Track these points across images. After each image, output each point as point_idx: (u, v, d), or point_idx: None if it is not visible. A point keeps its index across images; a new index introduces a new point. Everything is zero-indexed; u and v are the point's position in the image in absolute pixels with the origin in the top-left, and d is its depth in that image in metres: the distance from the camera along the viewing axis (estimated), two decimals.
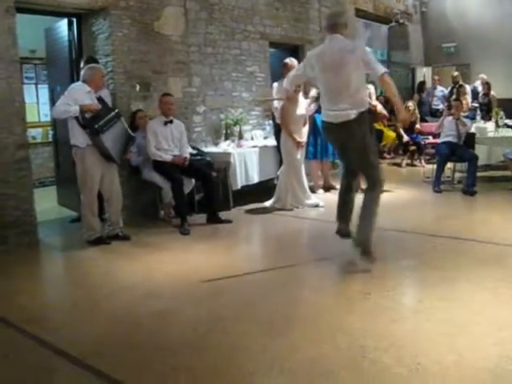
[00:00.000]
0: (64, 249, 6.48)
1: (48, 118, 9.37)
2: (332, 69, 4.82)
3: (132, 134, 6.41)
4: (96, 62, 6.94)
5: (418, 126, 11.55)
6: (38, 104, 10.68)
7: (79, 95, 5.87)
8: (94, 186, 6.10)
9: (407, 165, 11.55)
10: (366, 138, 4.88)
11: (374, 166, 4.98)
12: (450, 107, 10.59)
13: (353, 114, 4.77)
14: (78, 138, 5.94)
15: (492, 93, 11.81)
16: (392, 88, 4.86)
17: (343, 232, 5.21)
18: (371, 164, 4.96)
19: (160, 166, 6.88)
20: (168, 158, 6.88)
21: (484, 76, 12.47)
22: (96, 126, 5.82)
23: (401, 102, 4.92)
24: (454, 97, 11.48)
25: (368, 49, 5.10)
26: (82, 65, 6.93)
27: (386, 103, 13.13)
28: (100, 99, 6.10)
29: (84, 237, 6.19)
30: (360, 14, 12.71)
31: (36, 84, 10.68)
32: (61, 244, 6.75)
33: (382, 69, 4.82)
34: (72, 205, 7.88)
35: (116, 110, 6.28)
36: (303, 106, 7.51)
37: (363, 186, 7.63)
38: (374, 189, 4.95)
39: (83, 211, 6.19)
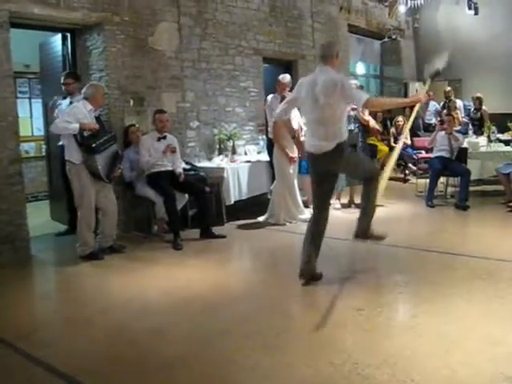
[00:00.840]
0: (57, 264, 6.45)
1: (41, 133, 9.35)
2: (314, 100, 4.88)
3: (119, 153, 6.43)
4: (76, 76, 6.98)
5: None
6: (31, 118, 10.65)
7: (81, 114, 5.94)
8: (91, 200, 6.11)
9: (402, 180, 11.56)
10: (349, 159, 5.09)
11: (368, 168, 5.26)
12: (442, 122, 10.64)
13: (331, 145, 4.85)
14: (73, 154, 5.97)
15: (484, 107, 11.88)
16: (385, 102, 4.95)
17: (310, 272, 5.06)
18: (366, 168, 5.23)
19: (153, 181, 6.88)
20: (159, 154, 6.89)
21: (479, 94, 12.54)
22: (93, 146, 5.87)
23: (401, 99, 5.01)
24: (445, 111, 11.54)
25: (352, 81, 5.19)
26: (62, 80, 6.95)
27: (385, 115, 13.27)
28: (98, 119, 6.15)
29: (78, 251, 6.17)
30: (353, 29, 12.81)
31: (30, 98, 10.67)
32: (54, 259, 6.72)
33: (363, 96, 4.83)
34: (65, 219, 7.86)
35: (112, 133, 6.38)
36: (296, 121, 7.54)
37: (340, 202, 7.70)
38: (371, 181, 5.11)
39: (79, 226, 6.17)
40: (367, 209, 5.18)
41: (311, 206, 8.31)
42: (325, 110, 4.82)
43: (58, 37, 7.49)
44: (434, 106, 13.35)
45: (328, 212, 5.15)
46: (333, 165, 4.96)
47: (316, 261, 5.04)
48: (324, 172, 5.02)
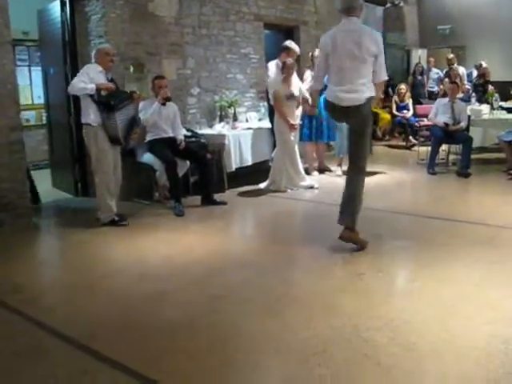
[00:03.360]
0: (58, 231, 6.48)
1: (41, 101, 9.29)
2: (349, 48, 4.75)
3: (136, 116, 6.41)
4: None
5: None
6: (31, 86, 10.59)
7: (94, 74, 5.92)
8: (110, 164, 6.10)
9: (405, 148, 11.53)
10: (367, 125, 4.93)
11: (362, 155, 5.00)
12: (444, 92, 10.59)
13: (362, 98, 4.76)
14: (91, 116, 5.94)
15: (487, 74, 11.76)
16: (379, 92, 4.91)
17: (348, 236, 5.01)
18: (364, 149, 5.01)
19: (154, 148, 6.87)
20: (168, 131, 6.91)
21: (483, 62, 12.43)
22: (112, 103, 5.85)
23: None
24: (447, 80, 11.46)
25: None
26: None
27: (388, 82, 13.15)
28: (112, 80, 6.13)
29: (101, 218, 6.15)
30: None
31: (29, 66, 10.59)
32: (55, 227, 6.75)
33: (385, 75, 4.83)
34: (67, 187, 7.89)
35: (128, 92, 6.37)
36: (296, 88, 7.49)
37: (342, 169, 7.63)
38: (360, 173, 4.98)
39: (99, 192, 6.13)
40: (350, 204, 4.95)
41: (312, 173, 8.42)
42: (363, 57, 4.73)
43: (57, 3, 7.39)
44: (436, 73, 13.25)
45: (364, 169, 5.00)
46: (358, 118, 4.86)
47: (354, 225, 4.96)
48: (358, 121, 4.92)
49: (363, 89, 4.77)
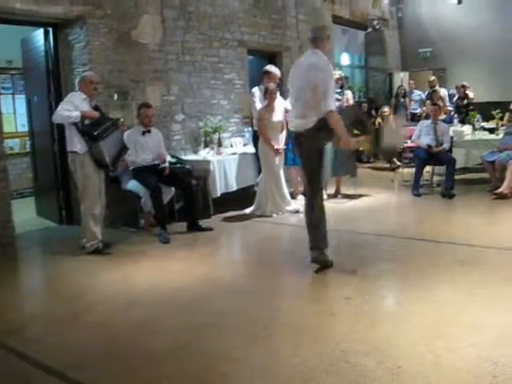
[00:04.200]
0: (43, 260, 6.41)
1: (25, 129, 9.26)
2: (298, 82, 5.08)
3: (124, 142, 6.43)
4: None
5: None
6: (15, 114, 10.57)
7: (78, 101, 5.92)
8: (96, 192, 6.08)
9: (389, 170, 11.61)
10: (312, 154, 5.04)
11: (317, 175, 5.11)
12: (427, 113, 10.71)
13: (304, 127, 4.97)
14: (77, 144, 5.93)
15: (470, 94, 11.93)
16: (337, 124, 4.90)
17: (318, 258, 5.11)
18: (310, 177, 5.12)
19: (139, 175, 6.86)
20: (149, 158, 6.87)
21: (465, 83, 12.64)
22: (95, 133, 5.85)
23: (344, 131, 4.97)
24: (429, 102, 11.60)
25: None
26: None
27: (371, 105, 13.33)
28: (97, 108, 6.11)
29: (87, 246, 6.10)
30: (337, 20, 12.79)
31: (13, 94, 10.58)
32: (40, 255, 6.68)
33: (329, 107, 4.86)
34: (51, 215, 7.83)
35: (113, 119, 6.36)
36: (280, 113, 7.53)
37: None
38: (314, 197, 5.09)
39: (85, 219, 6.10)
40: (314, 234, 5.08)
41: (298, 197, 8.43)
42: (306, 90, 4.94)
43: (40, 32, 7.41)
44: (418, 95, 13.41)
45: (320, 197, 5.15)
46: (312, 140, 4.99)
47: (325, 249, 5.06)
48: (308, 150, 5.06)
49: (307, 119, 4.96)
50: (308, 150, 5.03)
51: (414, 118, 12.63)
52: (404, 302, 4.29)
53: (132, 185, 6.96)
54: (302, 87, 4.99)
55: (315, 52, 5.08)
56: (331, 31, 12.27)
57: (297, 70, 5.17)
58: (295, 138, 5.22)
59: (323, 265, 5.03)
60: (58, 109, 5.93)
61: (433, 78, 13.09)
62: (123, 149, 6.35)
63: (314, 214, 5.07)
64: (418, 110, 13.09)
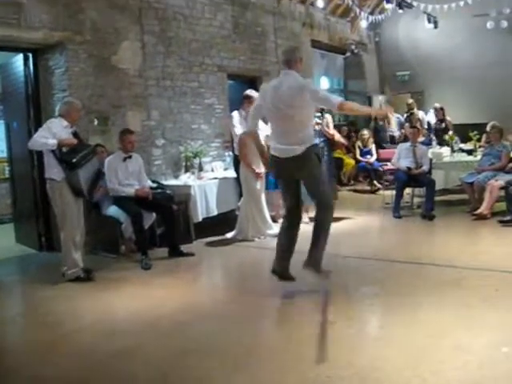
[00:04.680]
0: (22, 288, 6.32)
1: (4, 154, 9.19)
2: (280, 105, 4.90)
3: (101, 169, 6.40)
4: None
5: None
6: None
7: (57, 129, 5.84)
8: (74, 219, 6.00)
9: (370, 192, 11.68)
10: (314, 169, 4.96)
11: (324, 192, 5.05)
12: (405, 136, 10.83)
13: (300, 149, 4.84)
14: (54, 171, 5.87)
15: (448, 118, 12.11)
16: (354, 108, 4.96)
17: (283, 274, 5.11)
18: (322, 191, 5.03)
19: (119, 201, 6.82)
20: (131, 191, 6.83)
21: (437, 104, 12.84)
22: (73, 161, 5.78)
23: (367, 108, 4.93)
24: (407, 124, 11.73)
25: (318, 84, 5.19)
26: None
27: (350, 128, 13.46)
28: (75, 134, 6.07)
29: (67, 274, 6.00)
30: (316, 44, 12.95)
31: None
32: (19, 283, 6.58)
33: (336, 100, 4.86)
34: (30, 242, 7.73)
35: (91, 146, 6.32)
36: (261, 137, 7.53)
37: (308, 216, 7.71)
38: (325, 214, 5.03)
39: (65, 247, 6.01)
40: (319, 241, 5.00)
41: (279, 221, 8.41)
42: (292, 113, 4.84)
43: (20, 57, 7.40)
44: (396, 118, 13.55)
45: (299, 218, 5.13)
46: (298, 171, 4.93)
47: (289, 262, 5.06)
48: (288, 178, 5.04)
49: (300, 141, 4.86)
50: (308, 169, 4.93)
51: (394, 141, 12.74)
52: (388, 325, 4.28)
53: (112, 210, 6.91)
54: (288, 113, 4.84)
55: (290, 73, 4.99)
56: (311, 55, 12.47)
57: (275, 95, 4.93)
58: (278, 163, 5.06)
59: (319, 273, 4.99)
60: (35, 135, 5.86)
61: (411, 100, 13.26)
62: (100, 175, 6.29)
63: (326, 225, 5.01)
64: (397, 133, 13.22)
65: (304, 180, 5.04)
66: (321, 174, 5.07)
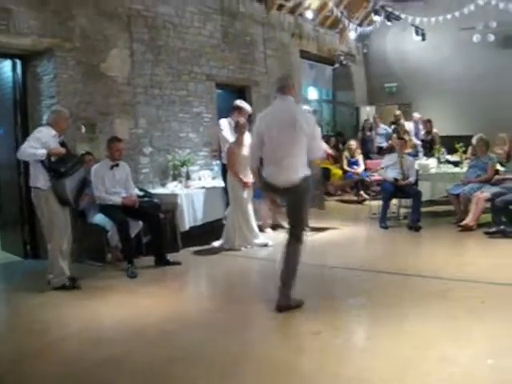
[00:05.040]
0: (7, 295, 6.25)
1: None
2: (283, 128, 4.84)
3: (87, 178, 6.37)
4: None
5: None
6: None
7: (46, 138, 5.79)
8: (62, 227, 5.96)
9: (356, 202, 11.73)
10: (304, 199, 4.97)
11: (302, 224, 5.06)
12: (392, 147, 10.89)
13: (297, 178, 4.83)
14: (41, 180, 5.83)
15: (434, 130, 12.20)
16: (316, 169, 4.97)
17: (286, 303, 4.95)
18: (300, 221, 5.04)
19: (106, 209, 6.79)
20: (118, 200, 6.80)
21: (416, 114, 12.98)
22: (62, 170, 5.76)
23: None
24: (395, 135, 11.81)
25: (304, 107, 5.16)
26: None
27: (338, 138, 13.54)
28: (63, 144, 6.04)
29: (53, 283, 5.95)
30: (304, 55, 13.01)
31: None
32: (4, 290, 6.51)
33: (320, 153, 4.99)
34: (15, 249, 7.67)
35: (78, 156, 6.34)
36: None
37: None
38: (298, 242, 4.98)
39: (52, 255, 5.96)
40: (289, 279, 4.88)
41: (266, 230, 8.43)
42: (292, 138, 4.80)
43: (8, 63, 7.36)
44: (384, 129, 13.63)
45: (301, 238, 5.01)
46: (290, 196, 4.93)
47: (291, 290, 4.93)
48: (295, 199, 4.98)
49: (298, 169, 4.85)
50: (301, 199, 4.94)
51: (381, 152, 12.82)
52: (374, 336, 4.28)
53: (99, 218, 6.88)
54: (292, 136, 4.79)
55: (287, 98, 4.96)
56: (300, 65, 12.52)
57: (277, 120, 4.89)
58: (273, 189, 5.04)
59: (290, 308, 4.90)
60: (24, 145, 5.78)
61: (398, 112, 13.36)
62: (85, 183, 6.26)
63: (296, 258, 4.93)
64: (385, 144, 13.29)
65: (290, 204, 5.01)
66: (306, 206, 5.08)
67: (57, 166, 5.77)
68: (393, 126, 13.25)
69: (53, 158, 5.79)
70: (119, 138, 7.12)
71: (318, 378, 3.54)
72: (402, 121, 12.98)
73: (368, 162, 12.06)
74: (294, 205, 4.98)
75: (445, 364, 3.62)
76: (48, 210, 5.88)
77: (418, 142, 12.30)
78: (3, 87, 7.59)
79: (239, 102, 8.21)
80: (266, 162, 5.05)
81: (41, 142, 5.73)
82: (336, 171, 12.42)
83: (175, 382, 3.62)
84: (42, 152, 5.69)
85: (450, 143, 10.63)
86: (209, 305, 5.43)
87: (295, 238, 4.97)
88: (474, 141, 9.25)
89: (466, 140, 10.15)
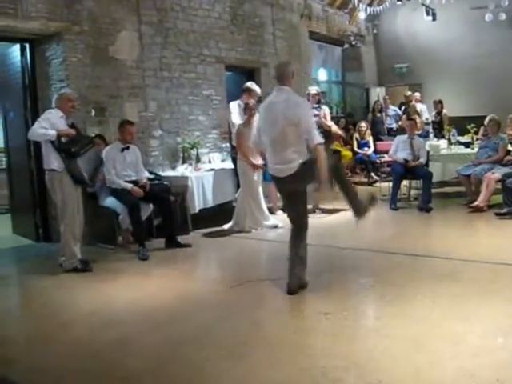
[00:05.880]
0: (20, 278, 6.33)
1: (1, 145, 9.18)
2: (274, 123, 4.85)
3: (101, 156, 6.41)
4: None
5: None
6: None
7: (55, 119, 5.85)
8: (75, 209, 6.01)
9: (367, 184, 11.70)
10: (303, 187, 4.98)
11: (306, 214, 5.07)
12: (403, 128, 10.84)
13: (295, 166, 4.80)
14: (54, 162, 5.87)
15: (444, 111, 12.12)
16: (321, 157, 4.81)
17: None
18: (305, 212, 5.05)
19: (117, 192, 6.82)
20: (128, 186, 6.82)
21: (417, 95, 12.92)
22: (73, 150, 5.80)
23: (325, 170, 4.89)
24: (405, 116, 11.76)
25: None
26: None
27: (348, 120, 13.49)
28: (73, 126, 6.07)
29: (65, 265, 6.03)
30: (314, 36, 12.92)
31: None
32: (16, 274, 6.59)
33: (316, 139, 4.83)
34: (27, 233, 7.74)
35: (90, 137, 6.40)
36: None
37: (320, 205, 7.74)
38: (303, 232, 5.00)
39: (64, 238, 6.02)
40: (298, 263, 4.91)
41: (276, 212, 8.44)
42: (288, 128, 4.79)
43: (17, 47, 7.38)
44: (393, 110, 13.55)
45: (306, 225, 5.04)
46: (295, 185, 4.92)
47: (303, 273, 4.97)
48: (288, 193, 5.02)
49: (293, 157, 4.82)
50: (302, 185, 4.95)
51: (390, 133, 12.76)
52: (383, 316, 4.30)
53: (110, 201, 6.92)
54: (282, 129, 4.79)
55: (283, 89, 4.93)
56: (310, 47, 12.43)
57: (269, 112, 4.93)
58: (277, 181, 5.05)
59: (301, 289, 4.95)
60: (34, 126, 5.86)
61: (409, 93, 13.26)
62: (100, 164, 6.31)
63: (302, 246, 4.97)
64: (394, 125, 13.22)
65: (294, 193, 5.01)
66: (306, 194, 5.06)
67: (67, 147, 5.80)
68: (403, 107, 13.18)
69: (63, 139, 5.83)
70: (131, 122, 7.13)
71: (326, 357, 3.56)
72: (413, 102, 12.87)
73: (378, 143, 12.00)
74: (295, 192, 4.99)
75: (453, 343, 3.64)
76: (62, 191, 5.92)
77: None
78: (12, 71, 7.61)
79: (250, 84, 8.18)
80: (267, 153, 5.11)
81: (50, 123, 5.78)
82: (346, 153, 12.39)
83: (184, 363, 3.65)
84: (53, 133, 5.73)
85: (461, 124, 10.56)
86: (219, 287, 5.45)
87: (299, 228, 5.00)
88: (486, 122, 9.18)
89: (477, 121, 10.08)
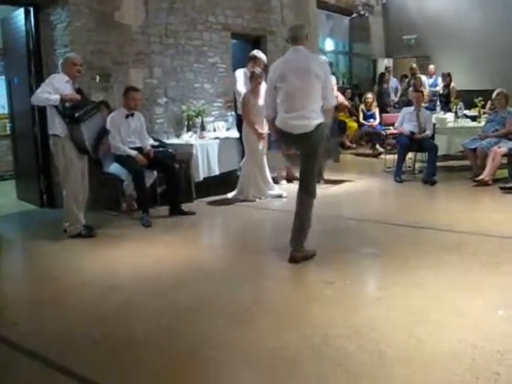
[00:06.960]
0: (24, 243, 6.36)
1: (5, 111, 9.12)
2: (298, 74, 4.80)
3: (106, 127, 6.34)
4: None
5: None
6: None
7: (59, 84, 5.80)
8: (78, 175, 6.01)
9: (372, 156, 11.67)
10: (317, 151, 4.90)
11: (313, 176, 5.02)
12: (409, 100, 10.76)
13: (312, 125, 4.76)
14: (58, 127, 5.85)
15: (452, 84, 12.00)
16: (328, 115, 4.88)
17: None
18: (312, 172, 4.98)
19: (121, 159, 6.80)
20: (133, 153, 6.80)
21: (432, 67, 12.77)
22: (76, 115, 5.75)
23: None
24: (411, 88, 11.65)
25: (321, 57, 5.07)
26: None
27: (354, 91, 13.40)
28: (79, 90, 6.03)
29: (69, 231, 6.05)
30: (321, 5, 12.74)
31: None
32: (20, 238, 6.62)
33: (334, 101, 4.85)
34: (32, 199, 7.75)
35: (96, 101, 6.30)
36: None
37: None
38: (310, 195, 4.96)
39: (66, 203, 6.03)
40: (302, 231, 4.91)
41: (281, 182, 8.43)
42: (312, 83, 4.77)
43: (21, 11, 7.29)
44: (394, 82, 13.43)
45: (314, 191, 4.99)
46: (305, 144, 4.87)
47: (302, 240, 4.96)
48: (308, 148, 4.92)
49: (313, 115, 4.79)
50: (314, 148, 4.87)
51: (395, 106, 12.69)
52: (385, 287, 4.31)
53: (114, 168, 6.90)
54: (308, 80, 4.74)
55: (299, 49, 4.90)
56: (317, 16, 12.28)
57: (293, 64, 4.85)
58: (287, 137, 4.99)
59: (305, 259, 4.94)
60: (38, 91, 5.82)
61: (414, 65, 13.11)
62: (104, 132, 6.26)
63: (308, 212, 4.94)
64: (392, 98, 13.13)
65: (303, 153, 4.96)
66: (318, 157, 4.99)
67: (71, 112, 5.76)
68: (406, 80, 13.06)
69: (67, 104, 5.79)
70: (136, 88, 7.08)
71: (328, 326, 3.58)
72: (418, 74, 12.73)
73: (384, 115, 11.92)
74: (306, 153, 4.93)
75: (455, 314, 3.66)
76: (64, 157, 5.91)
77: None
78: (16, 36, 7.53)
79: (255, 52, 8.11)
80: (280, 110, 4.99)
81: (54, 88, 5.74)
82: (352, 124, 12.34)
83: (187, 329, 3.67)
84: (56, 97, 5.69)
85: (469, 97, 10.46)
86: (222, 254, 5.48)
87: (307, 193, 4.95)
88: (494, 95, 9.09)
89: (485, 95, 9.99)
